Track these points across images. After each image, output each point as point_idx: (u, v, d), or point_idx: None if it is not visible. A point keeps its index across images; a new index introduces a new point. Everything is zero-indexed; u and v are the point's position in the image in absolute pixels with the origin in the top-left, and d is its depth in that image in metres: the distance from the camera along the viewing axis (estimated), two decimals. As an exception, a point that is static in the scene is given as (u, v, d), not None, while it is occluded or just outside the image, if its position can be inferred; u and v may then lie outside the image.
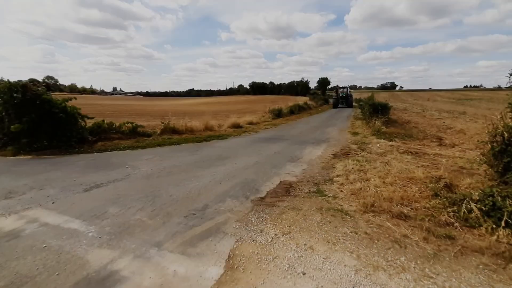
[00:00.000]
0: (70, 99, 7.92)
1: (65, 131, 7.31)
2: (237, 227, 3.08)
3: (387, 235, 2.92)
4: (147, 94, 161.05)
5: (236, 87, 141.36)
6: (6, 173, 5.12)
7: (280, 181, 4.81)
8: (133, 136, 8.91)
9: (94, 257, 2.51)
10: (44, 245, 2.68)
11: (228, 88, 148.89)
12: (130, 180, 4.78)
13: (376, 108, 13.37)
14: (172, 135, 9.78)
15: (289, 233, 2.95)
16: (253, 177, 5.05)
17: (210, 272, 2.30)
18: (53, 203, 3.72)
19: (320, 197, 4.02)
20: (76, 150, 7.05)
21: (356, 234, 2.94)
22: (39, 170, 5.33)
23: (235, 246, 2.68)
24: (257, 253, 2.56)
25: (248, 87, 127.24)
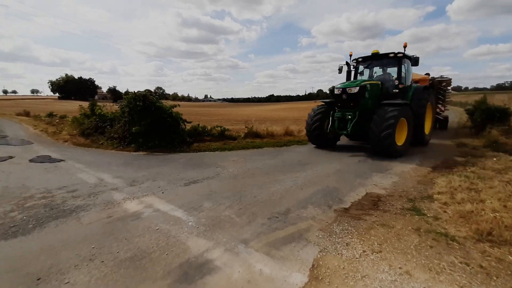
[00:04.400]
0: (175, 106, 9.39)
1: (170, 133, 8.70)
2: (320, 236, 3.02)
3: (510, 273, 2.34)
4: (232, 100, 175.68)
5: (315, 92, 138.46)
6: (130, 165, 6.45)
7: (366, 193, 4.46)
8: (221, 139, 9.85)
9: (193, 244, 2.89)
10: (157, 228, 3.25)
11: (307, 93, 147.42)
12: (220, 178, 5.30)
13: (491, 114, 10.76)
14: (254, 139, 10.33)
15: (380, 252, 2.70)
16: (335, 185, 4.85)
17: (294, 278, 2.32)
18: (162, 193, 4.48)
19: (416, 216, 3.53)
20: (178, 149, 8.28)
21: (468, 266, 2.46)
22: (152, 164, 6.51)
23: (319, 256, 2.63)
24: (343, 268, 2.44)
25: (328, 92, 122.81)
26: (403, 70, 8.10)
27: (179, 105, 9.62)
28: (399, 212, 3.68)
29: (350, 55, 9.22)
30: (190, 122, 9.88)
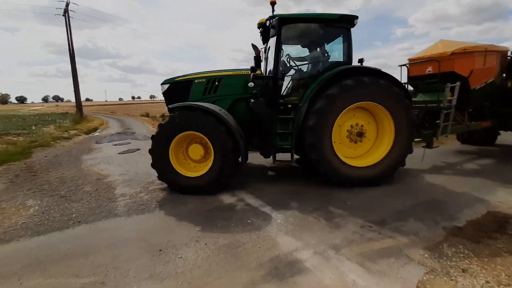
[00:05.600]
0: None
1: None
2: (426, 255, 2.63)
3: None
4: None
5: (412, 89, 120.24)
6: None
7: (488, 211, 3.64)
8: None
9: (282, 241, 2.98)
10: (249, 221, 3.51)
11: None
12: (305, 178, 5.26)
13: None
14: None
15: (510, 286, 2.16)
16: (443, 198, 4.14)
17: (394, 296, 2.11)
18: (252, 189, 4.77)
19: None
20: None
21: None
22: (241, 161, 7.03)
23: (425, 278, 2.30)
24: (459, 297, 2.07)
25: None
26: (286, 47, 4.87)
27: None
28: (542, 241, 2.84)
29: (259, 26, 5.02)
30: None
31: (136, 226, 3.48)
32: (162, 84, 5.46)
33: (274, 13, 4.66)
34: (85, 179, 5.55)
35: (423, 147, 5.86)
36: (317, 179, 4.86)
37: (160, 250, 2.87)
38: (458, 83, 5.60)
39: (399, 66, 6.61)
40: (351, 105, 4.50)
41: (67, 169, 6.34)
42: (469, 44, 5.95)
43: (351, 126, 4.79)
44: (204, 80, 5.15)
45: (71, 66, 21.71)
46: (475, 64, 5.74)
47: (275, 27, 4.59)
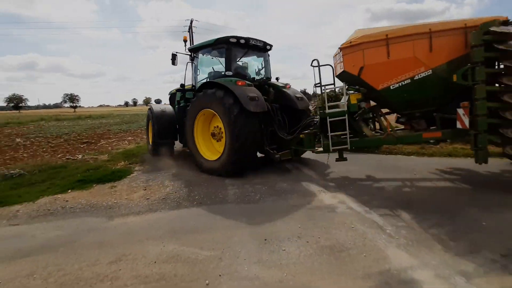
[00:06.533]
0: (365, 104, 9.14)
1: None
2: None
3: None
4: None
5: None
6: (323, 160, 7.01)
7: None
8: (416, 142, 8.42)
9: (393, 255, 2.70)
10: (352, 226, 3.34)
11: None
12: (418, 188, 4.61)
13: None
14: (466, 145, 7.97)
15: None
16: None
17: None
18: (353, 191, 4.49)
19: None
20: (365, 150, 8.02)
21: None
22: (341, 162, 6.72)
23: None
24: None
25: None
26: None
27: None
28: None
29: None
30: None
31: (243, 213, 3.88)
32: (168, 94, 8.81)
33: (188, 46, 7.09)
34: (202, 168, 6.55)
35: (337, 160, 5.31)
36: (434, 190, 4.14)
37: (265, 240, 3.10)
38: (343, 85, 5.23)
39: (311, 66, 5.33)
40: (199, 112, 5.98)
41: (188, 158, 7.65)
42: (360, 33, 4.74)
43: (213, 128, 6.12)
44: (179, 92, 7.74)
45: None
46: (366, 58, 4.59)
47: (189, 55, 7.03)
